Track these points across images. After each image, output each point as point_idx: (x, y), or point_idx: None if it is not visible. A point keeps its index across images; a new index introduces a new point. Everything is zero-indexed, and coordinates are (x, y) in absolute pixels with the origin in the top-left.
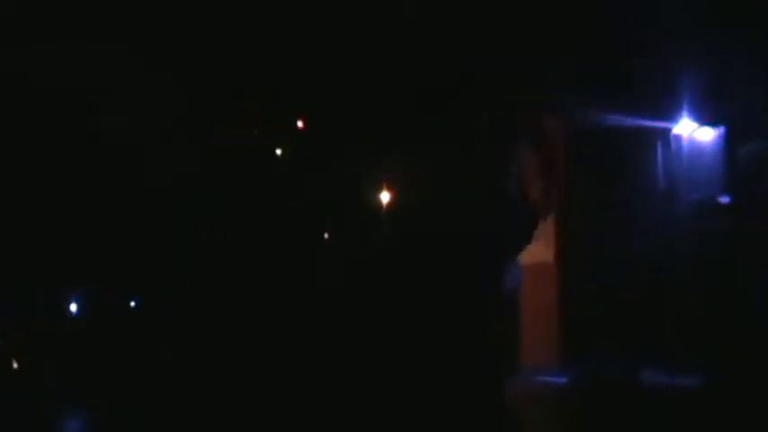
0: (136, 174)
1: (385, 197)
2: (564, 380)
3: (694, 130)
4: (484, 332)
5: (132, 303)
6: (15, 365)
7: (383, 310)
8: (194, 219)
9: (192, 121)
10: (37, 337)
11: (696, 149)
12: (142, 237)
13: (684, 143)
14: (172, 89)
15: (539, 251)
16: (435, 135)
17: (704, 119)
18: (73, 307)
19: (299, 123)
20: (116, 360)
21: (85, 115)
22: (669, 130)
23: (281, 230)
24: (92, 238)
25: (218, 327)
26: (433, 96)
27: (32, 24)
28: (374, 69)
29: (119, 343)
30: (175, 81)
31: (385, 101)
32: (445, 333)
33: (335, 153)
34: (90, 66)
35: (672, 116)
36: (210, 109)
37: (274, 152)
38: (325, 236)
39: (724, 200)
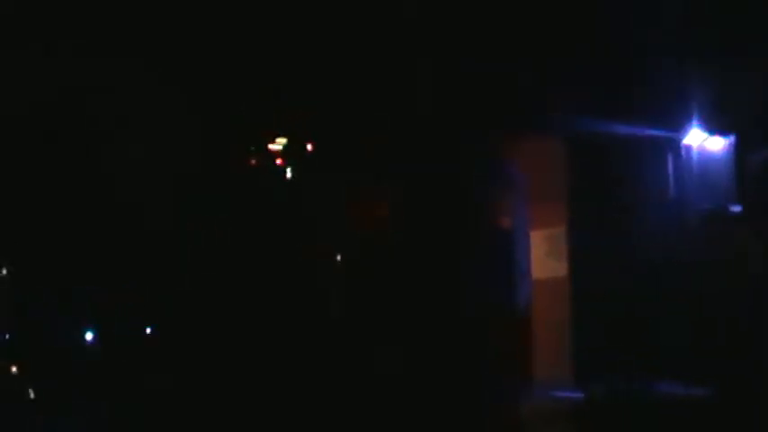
0: (146, 185)
1: (382, 211)
2: (579, 395)
3: (704, 140)
4: (493, 348)
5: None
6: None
7: (389, 323)
8: (205, 228)
9: (201, 129)
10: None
11: (706, 159)
12: (152, 244)
13: (695, 152)
14: (179, 96)
15: (551, 266)
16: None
17: (714, 128)
18: (89, 335)
19: (309, 146)
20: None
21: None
22: (679, 140)
23: (284, 240)
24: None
25: (227, 331)
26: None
27: (58, 38)
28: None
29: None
30: (182, 88)
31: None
32: (454, 348)
33: (337, 167)
34: (100, 75)
35: (682, 126)
36: (217, 115)
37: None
38: (325, 246)
39: (735, 208)
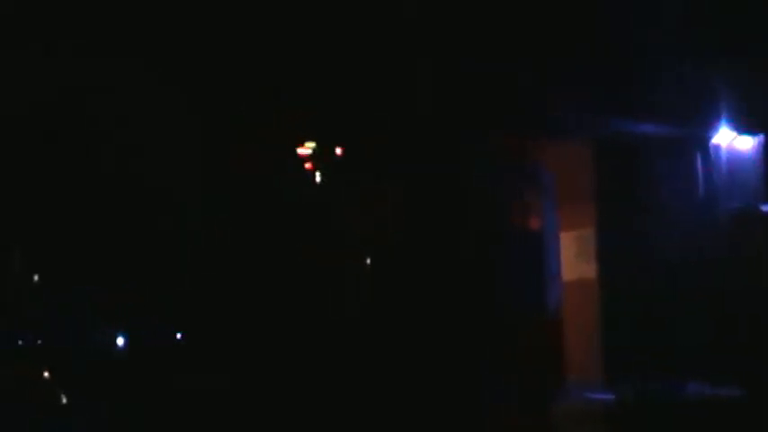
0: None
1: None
2: (610, 396)
3: (733, 139)
4: (524, 349)
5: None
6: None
7: (419, 324)
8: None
9: (201, 128)
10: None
11: (735, 158)
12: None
13: (723, 152)
14: (179, 96)
15: (581, 267)
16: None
17: (742, 127)
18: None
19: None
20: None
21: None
22: (708, 140)
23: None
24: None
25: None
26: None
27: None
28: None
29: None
30: (182, 88)
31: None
32: (485, 349)
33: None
34: (100, 75)
35: (711, 126)
36: (217, 115)
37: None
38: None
39: (765, 207)
